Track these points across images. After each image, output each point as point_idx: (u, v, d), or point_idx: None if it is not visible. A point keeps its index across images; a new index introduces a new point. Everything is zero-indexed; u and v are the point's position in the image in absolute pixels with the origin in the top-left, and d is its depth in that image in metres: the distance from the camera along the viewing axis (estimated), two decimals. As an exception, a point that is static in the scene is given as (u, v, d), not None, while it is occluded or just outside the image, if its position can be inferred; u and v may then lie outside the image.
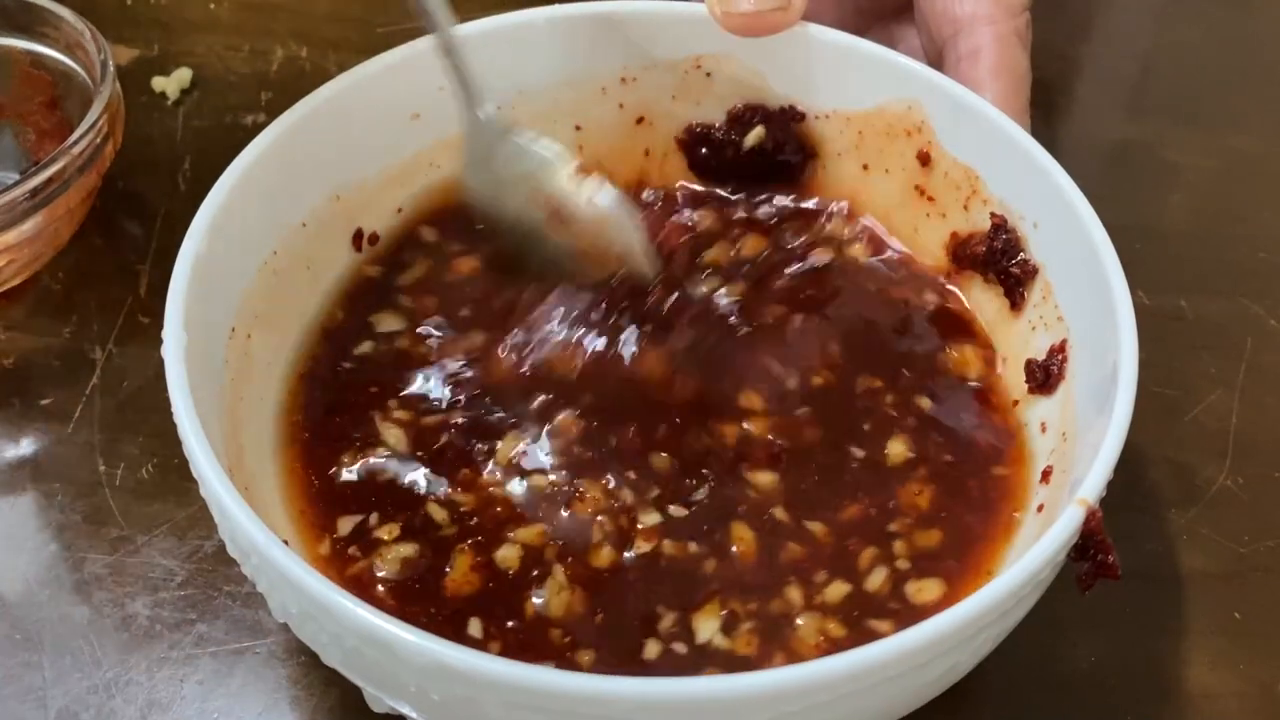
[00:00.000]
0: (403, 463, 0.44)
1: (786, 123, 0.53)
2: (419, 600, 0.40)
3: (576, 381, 0.46)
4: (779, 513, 0.43)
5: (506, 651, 0.39)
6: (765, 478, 0.44)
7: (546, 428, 0.45)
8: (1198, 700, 0.44)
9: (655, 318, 0.47)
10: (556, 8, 0.52)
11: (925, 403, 0.46)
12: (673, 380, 0.46)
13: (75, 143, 0.52)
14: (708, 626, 0.40)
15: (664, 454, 0.44)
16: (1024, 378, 0.46)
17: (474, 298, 0.49)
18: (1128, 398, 0.39)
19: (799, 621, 0.40)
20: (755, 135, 0.53)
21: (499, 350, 0.47)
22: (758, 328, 0.48)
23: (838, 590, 0.41)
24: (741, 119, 0.53)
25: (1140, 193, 0.63)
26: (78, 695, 0.43)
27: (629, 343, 0.46)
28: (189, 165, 0.61)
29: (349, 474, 0.44)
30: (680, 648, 0.40)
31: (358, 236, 0.50)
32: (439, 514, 0.43)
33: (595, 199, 0.47)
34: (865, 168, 0.52)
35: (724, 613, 0.40)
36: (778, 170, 0.53)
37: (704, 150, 0.54)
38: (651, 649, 0.40)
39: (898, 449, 0.45)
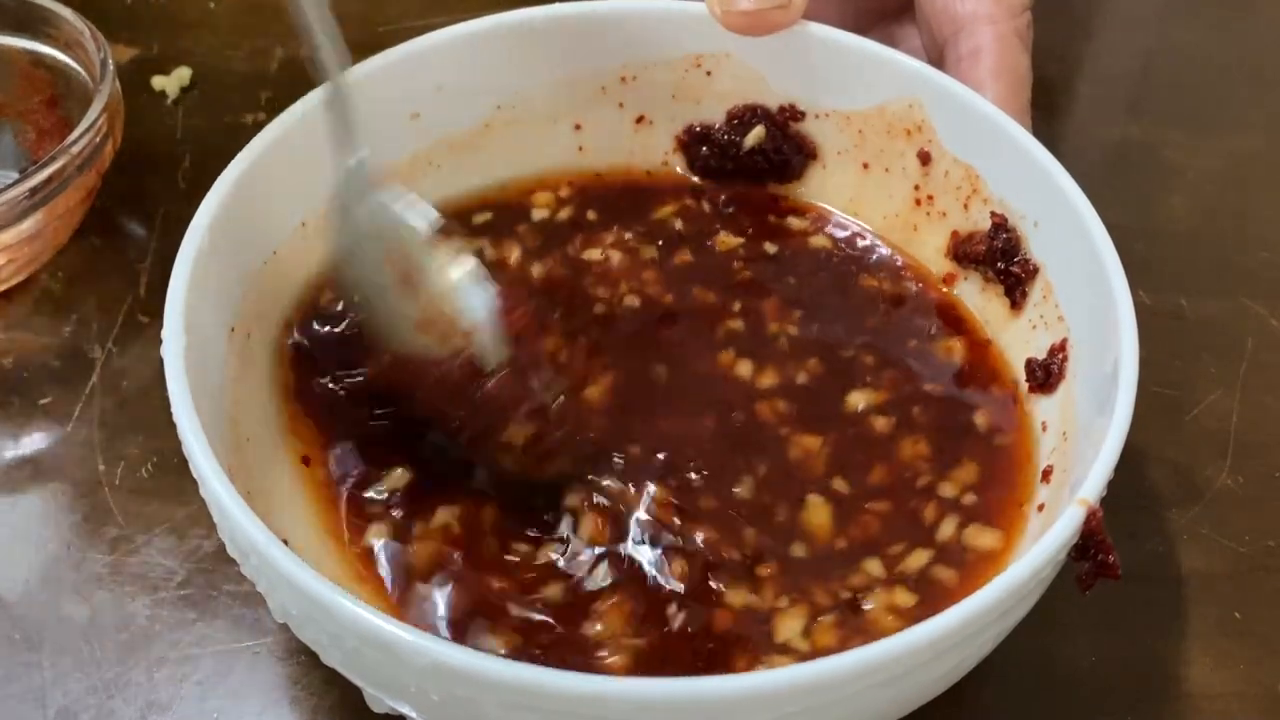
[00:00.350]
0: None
1: (786, 122, 0.53)
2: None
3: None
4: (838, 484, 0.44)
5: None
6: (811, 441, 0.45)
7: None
8: (1198, 700, 0.44)
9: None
10: (556, 6, 0.52)
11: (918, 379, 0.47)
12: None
13: (74, 142, 0.52)
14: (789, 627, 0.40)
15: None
16: (1024, 376, 0.46)
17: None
18: (1128, 397, 0.39)
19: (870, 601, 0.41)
20: (755, 135, 0.53)
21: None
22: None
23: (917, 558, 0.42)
24: (741, 119, 0.53)
25: (1141, 192, 0.62)
26: (77, 695, 0.43)
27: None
28: (188, 164, 0.61)
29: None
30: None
31: None
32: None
33: (448, 269, 0.44)
34: (865, 166, 0.52)
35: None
36: (778, 169, 0.53)
37: (704, 150, 0.54)
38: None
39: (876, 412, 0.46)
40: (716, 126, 0.54)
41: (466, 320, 0.43)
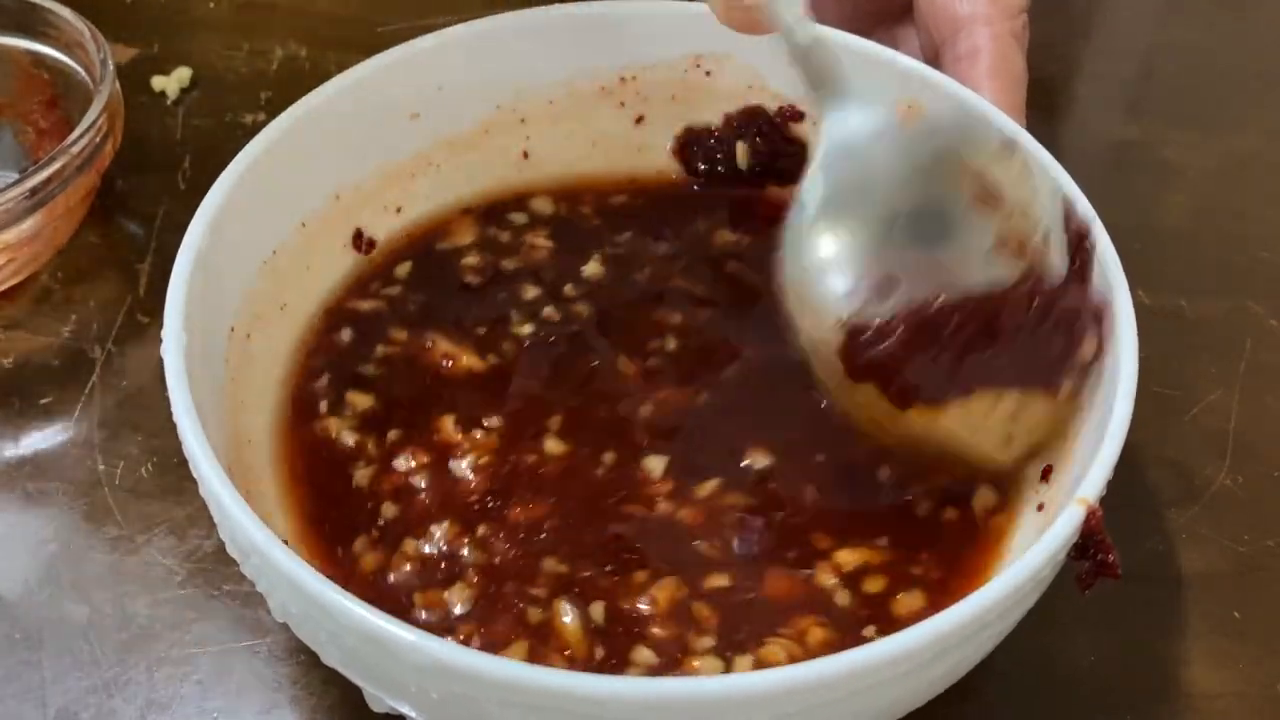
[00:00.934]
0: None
1: (785, 123, 0.52)
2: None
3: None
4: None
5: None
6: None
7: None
8: (1197, 700, 0.44)
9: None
10: (556, 7, 0.52)
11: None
12: None
13: (74, 142, 0.52)
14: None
15: None
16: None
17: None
18: (1128, 396, 0.39)
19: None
20: (743, 152, 0.53)
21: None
22: None
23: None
24: (740, 123, 0.53)
25: (1140, 192, 0.62)
26: (77, 695, 0.43)
27: None
28: (188, 164, 0.61)
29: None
30: None
31: (357, 238, 0.50)
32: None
33: (1026, 173, 0.40)
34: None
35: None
36: (775, 173, 0.53)
37: (700, 156, 0.54)
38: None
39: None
40: (714, 131, 0.54)
41: (1041, 227, 0.39)
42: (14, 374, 0.52)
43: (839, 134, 0.41)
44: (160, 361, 0.39)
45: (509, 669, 0.32)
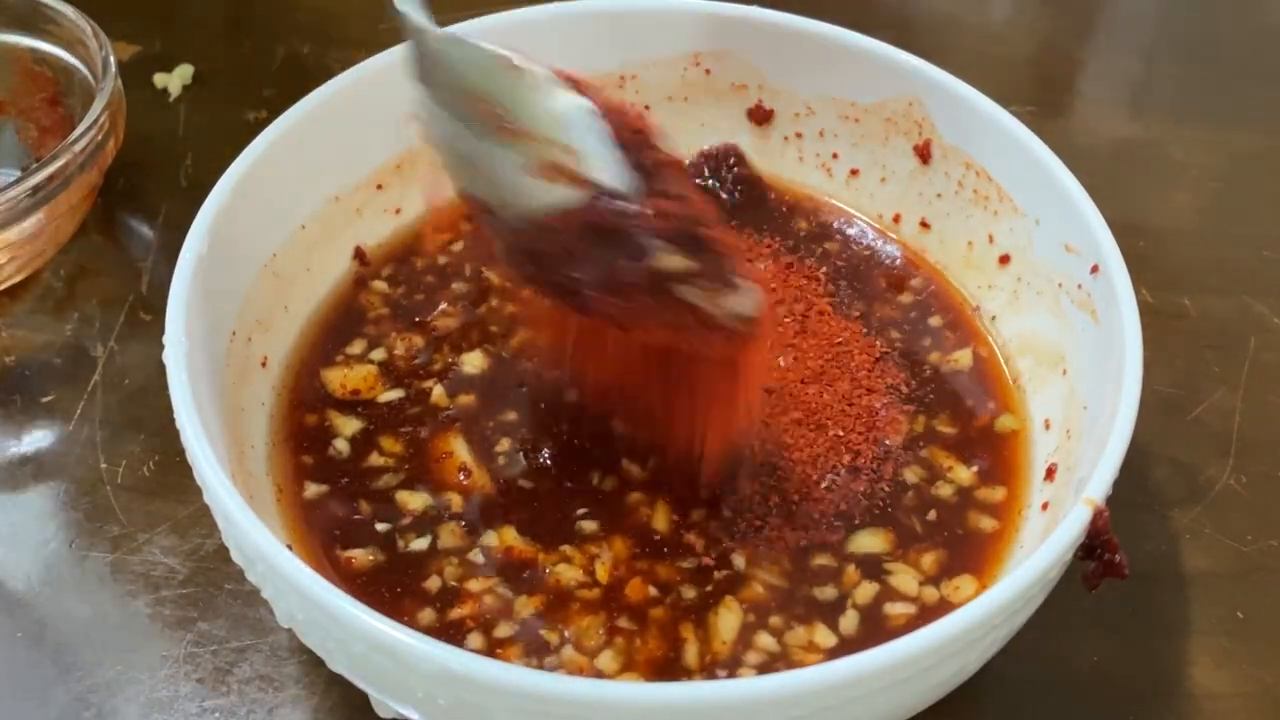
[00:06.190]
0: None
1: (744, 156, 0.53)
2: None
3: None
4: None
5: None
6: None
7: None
8: (1200, 700, 0.44)
9: None
10: (557, 5, 0.52)
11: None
12: None
13: (77, 140, 0.52)
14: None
15: None
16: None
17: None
18: (1132, 397, 0.39)
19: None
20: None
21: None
22: None
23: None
24: (716, 158, 0.53)
25: (1144, 190, 0.62)
26: (78, 694, 0.43)
27: None
28: (190, 162, 0.61)
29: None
30: None
31: (359, 253, 0.50)
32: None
33: (544, 94, 0.38)
34: (857, 171, 0.52)
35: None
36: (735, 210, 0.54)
37: None
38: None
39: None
40: (687, 165, 0.54)
41: (584, 147, 0.37)
42: (16, 372, 0.52)
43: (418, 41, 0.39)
44: (162, 359, 0.39)
45: (515, 675, 0.32)
